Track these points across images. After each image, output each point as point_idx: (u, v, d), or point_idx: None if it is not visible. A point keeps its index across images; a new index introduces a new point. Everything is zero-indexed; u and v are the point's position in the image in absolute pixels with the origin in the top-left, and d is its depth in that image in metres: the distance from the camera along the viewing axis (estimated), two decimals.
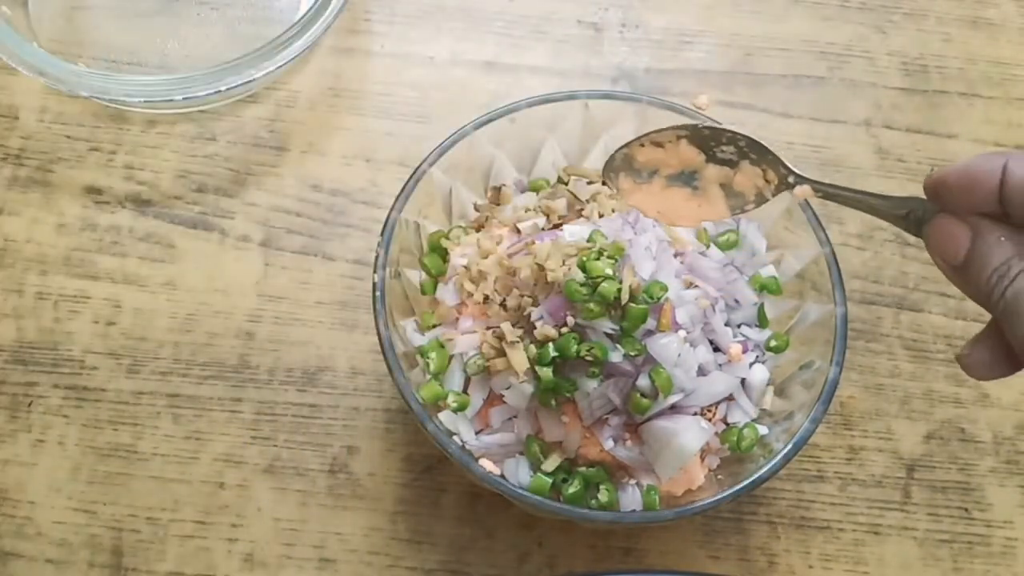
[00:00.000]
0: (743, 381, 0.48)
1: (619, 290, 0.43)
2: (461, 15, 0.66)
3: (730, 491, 0.43)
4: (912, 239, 0.60)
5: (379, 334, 0.45)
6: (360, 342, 0.56)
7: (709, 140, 0.42)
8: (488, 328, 0.46)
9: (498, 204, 0.52)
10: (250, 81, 0.56)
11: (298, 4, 0.65)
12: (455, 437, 0.46)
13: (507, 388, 0.45)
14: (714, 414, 0.47)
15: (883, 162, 0.63)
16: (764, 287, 0.50)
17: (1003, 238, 0.35)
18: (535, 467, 0.46)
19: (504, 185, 0.52)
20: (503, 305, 0.47)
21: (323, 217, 0.60)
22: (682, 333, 0.44)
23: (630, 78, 0.65)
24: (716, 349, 0.47)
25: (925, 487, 0.55)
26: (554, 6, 0.67)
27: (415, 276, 0.51)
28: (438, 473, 0.54)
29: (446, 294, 0.49)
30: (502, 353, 0.45)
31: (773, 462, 0.44)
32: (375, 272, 0.46)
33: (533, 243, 0.47)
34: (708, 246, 0.50)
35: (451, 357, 0.47)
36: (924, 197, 0.37)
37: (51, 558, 0.51)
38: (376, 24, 0.66)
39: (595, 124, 0.52)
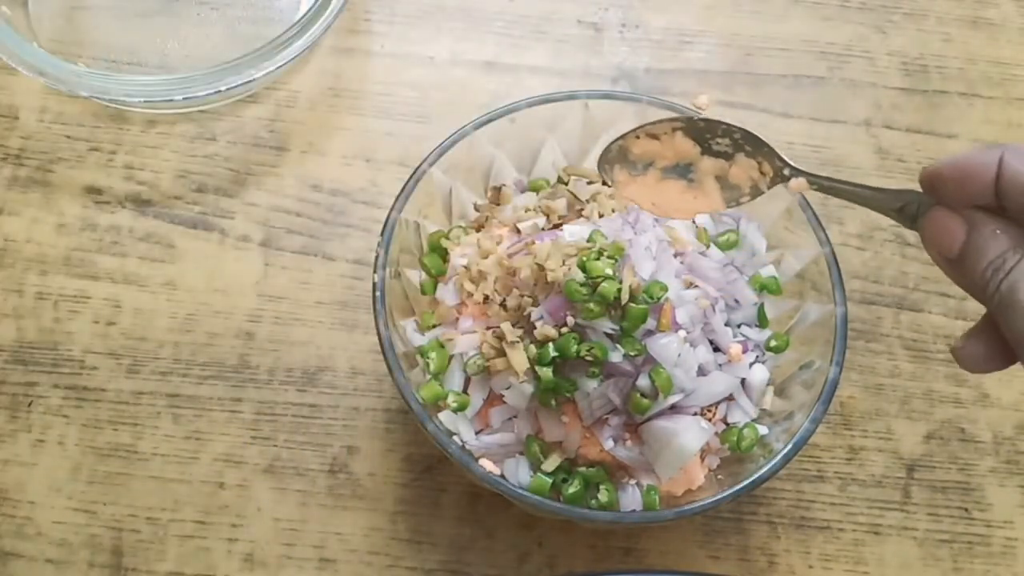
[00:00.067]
0: (743, 381, 0.48)
1: (619, 290, 0.43)
2: (461, 15, 0.66)
3: (730, 491, 0.43)
4: (912, 239, 0.61)
5: (379, 334, 0.45)
6: (360, 342, 0.56)
7: (705, 132, 0.42)
8: (488, 328, 0.46)
9: (498, 204, 0.52)
10: (250, 81, 0.56)
11: (298, 4, 0.65)
12: (455, 437, 0.46)
13: (507, 388, 0.45)
14: (714, 414, 0.47)
15: (883, 162, 0.63)
16: (764, 287, 0.50)
17: (998, 231, 0.35)
18: (535, 467, 0.46)
19: (504, 185, 0.52)
20: (503, 305, 0.47)
21: (323, 217, 0.60)
22: (682, 333, 0.44)
23: (630, 78, 0.65)
24: (716, 349, 0.47)
25: (925, 487, 0.55)
26: (554, 6, 0.67)
27: (415, 276, 0.51)
28: (438, 473, 0.54)
29: (446, 294, 0.49)
30: (502, 353, 0.45)
31: (773, 462, 0.44)
32: (375, 272, 0.46)
33: (533, 243, 0.47)
34: (708, 246, 0.50)
35: (451, 357, 0.47)
36: (920, 190, 0.37)
37: (51, 558, 0.51)
38: (376, 24, 0.66)
39: (595, 124, 0.52)
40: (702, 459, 0.47)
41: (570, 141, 0.53)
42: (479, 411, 0.47)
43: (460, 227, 0.52)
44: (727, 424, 0.48)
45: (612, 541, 0.53)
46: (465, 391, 0.47)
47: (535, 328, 0.44)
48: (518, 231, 0.49)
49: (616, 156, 0.44)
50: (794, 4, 0.68)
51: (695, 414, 0.46)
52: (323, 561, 0.52)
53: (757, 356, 0.49)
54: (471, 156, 0.51)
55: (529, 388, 0.44)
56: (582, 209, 0.50)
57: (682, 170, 0.43)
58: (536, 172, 0.54)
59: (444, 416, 0.46)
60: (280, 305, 0.57)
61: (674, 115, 0.48)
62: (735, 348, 0.47)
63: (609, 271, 0.43)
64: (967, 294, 0.36)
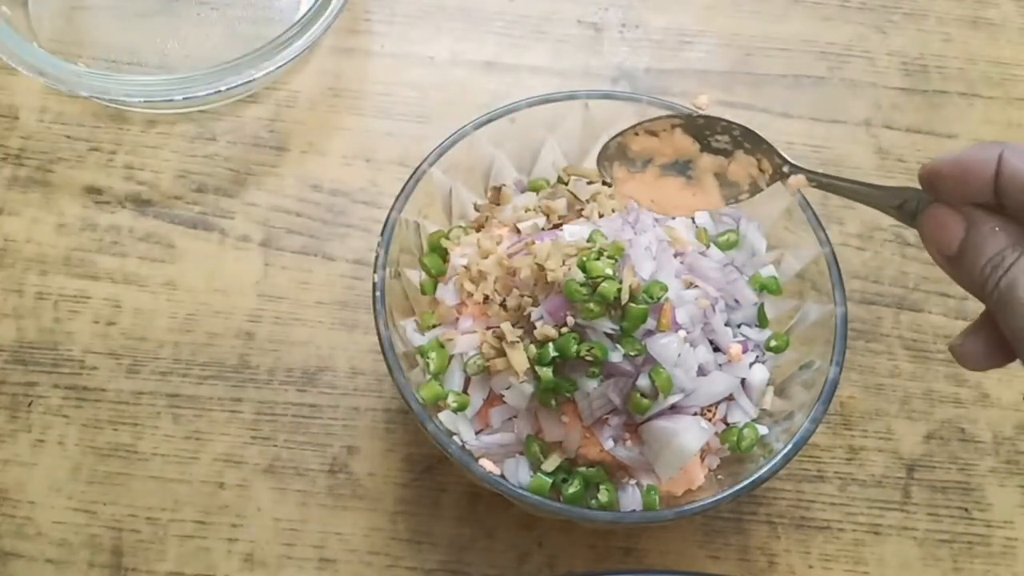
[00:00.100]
0: (743, 381, 0.48)
1: (619, 290, 0.43)
2: (461, 15, 0.66)
3: (730, 491, 0.43)
4: (912, 239, 0.60)
5: (379, 334, 0.45)
6: (360, 342, 0.56)
7: (704, 129, 0.42)
8: (488, 328, 0.46)
9: (498, 204, 0.52)
10: (250, 81, 0.56)
11: (298, 4, 0.65)
12: (455, 437, 0.46)
13: (507, 388, 0.45)
14: (714, 414, 0.47)
15: (883, 162, 0.63)
16: (764, 287, 0.50)
17: (997, 228, 0.35)
18: (535, 467, 0.46)
19: (504, 185, 0.52)
20: (503, 305, 0.47)
21: (323, 217, 0.60)
22: (682, 333, 0.44)
23: (630, 78, 0.65)
24: (716, 349, 0.47)
25: (925, 487, 0.55)
26: (554, 6, 0.67)
27: (415, 276, 0.51)
28: (438, 473, 0.54)
29: (446, 294, 0.49)
30: (502, 353, 0.45)
31: (773, 462, 0.44)
32: (375, 272, 0.46)
33: (533, 243, 0.47)
34: (708, 246, 0.50)
35: (451, 357, 0.47)
36: (919, 187, 0.37)
37: (51, 558, 0.51)
38: (376, 24, 0.66)
39: (595, 124, 0.52)
40: (702, 459, 0.47)
41: (570, 141, 0.53)
42: (479, 411, 0.47)
43: (460, 227, 0.52)
44: (727, 424, 0.48)
45: (612, 541, 0.53)
46: (465, 391, 0.47)
47: (535, 328, 0.44)
48: (518, 231, 0.49)
49: (615, 153, 0.44)
50: (794, 4, 0.68)
51: (695, 414, 0.46)
52: (323, 561, 0.52)
53: (757, 356, 0.49)
54: (471, 156, 0.51)
55: (529, 388, 0.44)
56: (582, 209, 0.50)
57: (681, 167, 0.43)
58: (536, 172, 0.54)
59: (444, 416, 0.46)
60: (280, 305, 0.57)
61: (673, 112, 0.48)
62: (735, 348, 0.47)
63: (609, 271, 0.43)
64: (967, 293, 0.36)
